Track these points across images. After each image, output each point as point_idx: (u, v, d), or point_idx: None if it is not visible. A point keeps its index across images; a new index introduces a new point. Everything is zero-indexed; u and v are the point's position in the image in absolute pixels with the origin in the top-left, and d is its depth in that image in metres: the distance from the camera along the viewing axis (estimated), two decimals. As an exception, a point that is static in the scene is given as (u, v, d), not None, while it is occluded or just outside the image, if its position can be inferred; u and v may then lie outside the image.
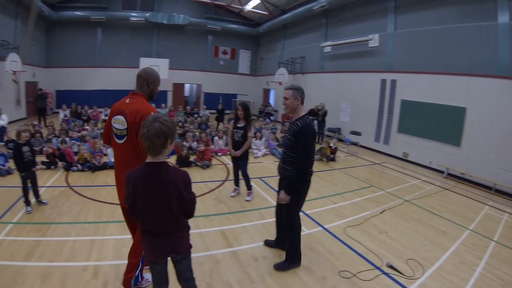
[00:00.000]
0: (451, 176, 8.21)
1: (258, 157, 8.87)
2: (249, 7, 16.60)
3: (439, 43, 8.82)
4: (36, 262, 3.38)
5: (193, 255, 2.53)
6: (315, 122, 11.50)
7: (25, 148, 4.77)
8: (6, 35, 12.43)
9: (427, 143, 9.09)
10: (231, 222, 4.62)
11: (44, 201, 5.08)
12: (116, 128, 2.59)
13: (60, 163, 7.12)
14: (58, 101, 16.43)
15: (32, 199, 4.92)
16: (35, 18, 12.85)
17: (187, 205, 1.95)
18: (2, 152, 6.75)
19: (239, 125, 5.27)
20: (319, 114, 11.39)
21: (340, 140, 11.55)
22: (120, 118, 2.55)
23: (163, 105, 14.97)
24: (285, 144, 3.34)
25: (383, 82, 10.47)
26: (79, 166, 6.95)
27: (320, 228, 4.49)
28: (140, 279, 2.95)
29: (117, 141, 2.61)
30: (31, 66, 14.57)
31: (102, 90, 17.21)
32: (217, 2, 16.32)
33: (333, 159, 8.83)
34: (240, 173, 5.50)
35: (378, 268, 3.49)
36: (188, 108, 15.37)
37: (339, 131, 12.11)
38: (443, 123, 8.61)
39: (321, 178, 7.11)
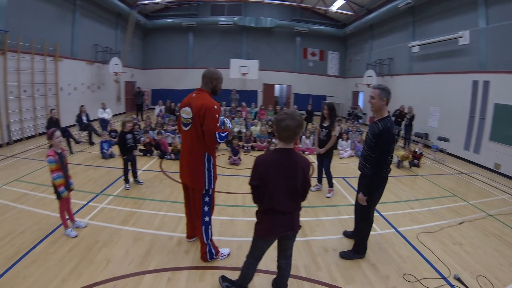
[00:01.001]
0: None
1: (343, 157, 8.92)
2: (334, 8, 16.41)
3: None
4: (130, 227, 4.15)
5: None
6: (402, 125, 10.89)
7: (129, 136, 5.75)
8: (109, 43, 14.88)
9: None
10: (309, 215, 4.82)
11: (141, 181, 6.03)
12: (184, 117, 3.14)
13: (155, 152, 8.21)
14: (154, 98, 18.76)
15: (131, 179, 5.89)
16: (132, 27, 15.08)
17: (306, 186, 2.33)
18: (106, 139, 8.19)
19: (324, 124, 5.50)
20: (405, 116, 10.75)
21: (426, 146, 10.69)
22: (187, 109, 3.09)
23: (253, 104, 15.56)
24: (366, 142, 3.44)
25: (475, 83, 9.30)
26: (172, 155, 7.91)
27: (393, 230, 4.45)
28: (214, 254, 3.36)
29: (184, 128, 3.17)
30: (130, 68, 17.17)
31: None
32: (301, 4, 16.56)
33: (417, 165, 8.30)
34: (323, 171, 5.72)
35: (444, 278, 3.32)
36: (278, 108, 15.75)
37: (426, 137, 11.22)
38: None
39: (402, 183, 6.82)
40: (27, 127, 9.35)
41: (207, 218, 3.24)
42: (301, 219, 4.12)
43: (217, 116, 2.98)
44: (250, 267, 2.59)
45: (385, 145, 3.10)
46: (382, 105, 3.18)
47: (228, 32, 19.29)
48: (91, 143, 9.15)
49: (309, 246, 3.86)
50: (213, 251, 3.34)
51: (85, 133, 9.44)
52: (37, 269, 3.09)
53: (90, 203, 4.87)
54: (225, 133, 3.06)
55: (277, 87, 21.27)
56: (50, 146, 3.82)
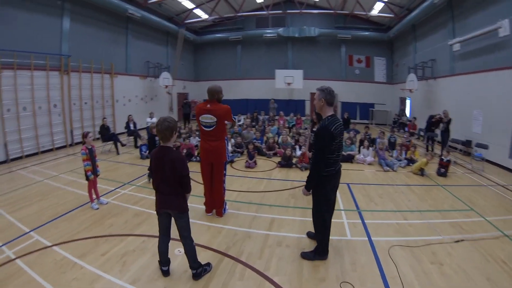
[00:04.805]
0: None
1: (359, 163, 9.19)
2: (374, 11, 16.76)
3: None
4: (137, 207, 5.62)
5: (238, 228, 4.68)
6: (438, 131, 10.64)
7: (157, 138, 7.32)
8: (160, 59, 17.60)
9: None
10: (288, 214, 5.38)
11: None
12: (206, 122, 4.79)
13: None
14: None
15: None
16: (181, 44, 17.43)
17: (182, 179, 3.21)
18: (145, 143, 9.92)
19: (314, 130, 5.98)
20: (442, 122, 10.53)
21: (466, 153, 10.33)
22: (208, 116, 4.74)
23: (291, 114, 16.46)
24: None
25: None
26: (198, 158, 9.38)
27: (365, 238, 4.45)
28: (225, 210, 5.32)
29: (205, 129, 4.86)
30: (182, 81, 19.84)
31: (244, 99, 20.85)
32: (339, 11, 17.19)
33: (443, 174, 7.94)
34: None
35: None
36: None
37: (468, 144, 10.78)
38: None
39: (413, 192, 6.71)
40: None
41: (224, 184, 5.18)
42: (277, 216, 5.41)
43: (228, 107, 4.87)
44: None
45: (321, 142, 3.36)
46: (321, 105, 3.52)
47: (273, 43, 20.79)
48: (136, 146, 11.23)
49: (266, 238, 4.40)
50: (226, 207, 5.34)
51: (131, 137, 11.63)
52: (65, 225, 4.78)
53: (117, 189, 6.60)
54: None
55: (325, 95, 21.82)
56: (84, 143, 5.56)
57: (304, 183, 3.65)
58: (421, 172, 7.96)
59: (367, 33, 19.28)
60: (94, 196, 5.63)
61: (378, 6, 16.17)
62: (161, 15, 16.53)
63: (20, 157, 9.42)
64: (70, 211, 5.32)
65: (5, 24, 8.99)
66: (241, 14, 18.04)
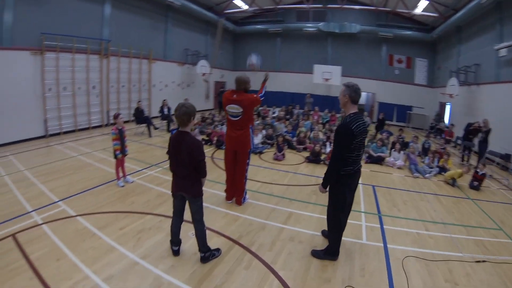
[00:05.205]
0: None
1: (389, 166, 8.84)
2: (418, 10, 15.87)
3: None
4: (160, 188, 5.79)
5: (255, 219, 4.69)
6: (476, 141, 10.02)
7: None
8: (199, 47, 17.90)
9: None
10: (307, 210, 5.29)
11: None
12: (232, 112, 4.84)
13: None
14: (237, 98, 21.28)
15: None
16: (221, 33, 17.61)
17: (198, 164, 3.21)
18: (177, 128, 10.18)
19: None
20: (481, 131, 9.89)
21: (504, 167, 9.64)
22: (235, 106, 4.77)
23: (326, 110, 16.24)
24: None
25: None
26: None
27: (381, 245, 4.26)
28: (245, 199, 5.34)
29: (232, 118, 4.92)
30: (220, 70, 20.08)
31: (281, 92, 20.83)
32: (381, 8, 16.46)
33: (476, 188, 7.41)
34: None
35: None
36: (368, 117, 15.66)
37: (507, 158, 10.04)
38: None
39: (440, 202, 6.32)
40: (122, 114, 12.39)
41: (247, 173, 5.20)
42: (296, 210, 5.38)
43: (254, 96, 4.89)
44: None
45: (341, 140, 3.27)
46: (345, 101, 3.38)
47: (313, 38, 20.41)
48: (169, 130, 11.62)
49: (280, 232, 4.38)
50: (246, 196, 5.38)
51: (165, 122, 12.02)
52: (90, 198, 5.08)
53: (144, 170, 6.87)
54: (262, 92, 5.17)
55: (363, 94, 21.10)
56: (115, 124, 5.80)
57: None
58: (452, 181, 7.48)
59: (409, 32, 18.28)
60: (121, 174, 5.88)
61: (422, 4, 15.26)
62: (201, 4, 16.73)
63: (58, 133, 10.08)
64: (97, 186, 5.62)
65: (50, 9, 9.57)
66: (281, 6, 17.84)
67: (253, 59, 5.43)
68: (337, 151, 3.31)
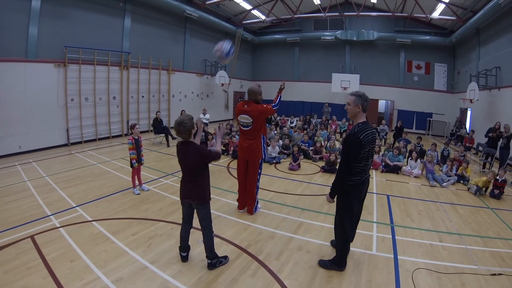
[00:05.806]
0: None
1: (406, 175, 8.68)
2: (435, 14, 15.64)
3: None
4: (174, 196, 5.89)
5: (265, 228, 4.70)
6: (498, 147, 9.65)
7: (202, 133, 7.71)
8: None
9: None
10: (318, 219, 5.28)
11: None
12: (243, 121, 5.06)
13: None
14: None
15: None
16: (238, 43, 17.83)
17: (209, 160, 3.41)
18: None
19: None
20: (501, 135, 9.51)
21: None
22: (245, 116, 4.98)
23: (343, 119, 15.99)
24: None
25: None
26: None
27: (391, 256, 4.15)
28: (257, 208, 5.41)
29: (243, 128, 5.13)
30: (239, 80, 20.48)
31: (300, 102, 21.02)
32: (398, 14, 16.34)
33: (496, 196, 7.09)
34: None
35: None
36: (374, 125, 15.67)
37: None
38: None
39: (457, 211, 6.16)
40: (141, 124, 12.88)
41: (258, 183, 5.31)
42: (305, 220, 5.39)
43: (265, 106, 5.06)
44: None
45: (348, 150, 3.27)
46: (357, 111, 3.37)
47: (331, 46, 20.45)
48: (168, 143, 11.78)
49: (288, 241, 4.39)
50: (258, 206, 5.46)
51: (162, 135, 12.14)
52: (106, 204, 5.31)
53: (160, 179, 7.08)
54: (276, 102, 5.34)
55: (382, 102, 20.95)
56: (131, 134, 6.06)
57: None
58: (476, 189, 7.19)
59: (427, 37, 18.02)
60: (137, 183, 6.10)
61: (440, 8, 15.05)
62: (219, 15, 17.27)
63: (80, 142, 10.61)
64: (113, 193, 5.87)
65: (73, 23, 10.20)
66: (298, 16, 18.05)
67: (220, 43, 4.81)
68: (345, 161, 3.31)
